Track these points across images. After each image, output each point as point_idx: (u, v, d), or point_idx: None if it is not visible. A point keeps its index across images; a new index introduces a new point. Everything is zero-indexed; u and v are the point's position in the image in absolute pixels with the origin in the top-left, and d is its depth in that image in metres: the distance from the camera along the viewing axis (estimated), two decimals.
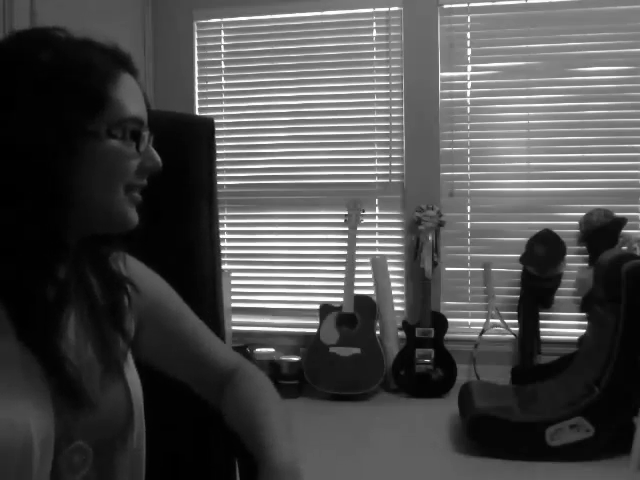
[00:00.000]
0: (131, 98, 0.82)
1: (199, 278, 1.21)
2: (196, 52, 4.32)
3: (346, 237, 3.90)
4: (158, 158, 0.85)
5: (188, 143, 1.23)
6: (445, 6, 3.95)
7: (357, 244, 3.89)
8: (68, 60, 0.77)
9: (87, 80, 0.77)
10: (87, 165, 0.77)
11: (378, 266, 3.93)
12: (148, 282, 0.97)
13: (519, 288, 3.78)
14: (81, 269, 0.86)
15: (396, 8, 4.03)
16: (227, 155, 4.22)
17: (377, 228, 4.12)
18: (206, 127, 1.26)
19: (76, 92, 0.76)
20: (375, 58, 4.12)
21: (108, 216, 0.81)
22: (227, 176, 4.23)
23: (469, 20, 3.96)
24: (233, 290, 3.99)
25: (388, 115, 4.09)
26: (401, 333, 3.83)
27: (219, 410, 0.98)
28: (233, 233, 4.28)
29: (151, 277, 0.99)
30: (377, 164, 4.12)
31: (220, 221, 1.30)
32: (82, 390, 0.77)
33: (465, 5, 3.94)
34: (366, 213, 3.96)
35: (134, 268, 0.95)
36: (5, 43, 0.79)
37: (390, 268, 3.98)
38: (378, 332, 3.80)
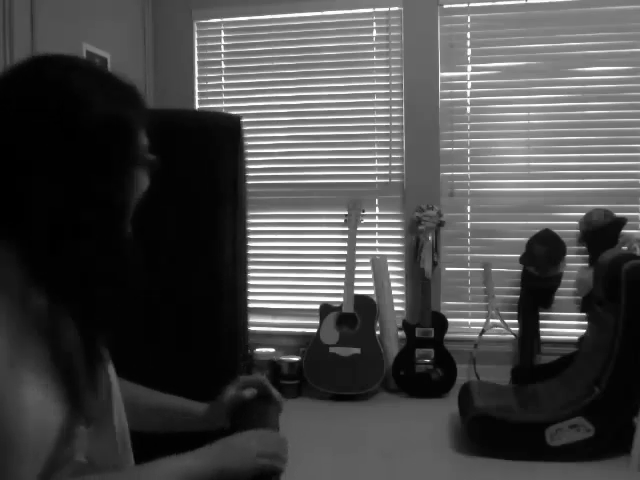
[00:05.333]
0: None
1: (217, 273, 1.18)
2: (196, 52, 4.32)
3: (346, 237, 3.90)
4: None
5: (212, 141, 1.19)
6: (445, 6, 3.95)
7: (357, 244, 3.89)
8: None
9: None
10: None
11: (378, 266, 3.93)
12: None
13: (519, 288, 3.78)
14: None
15: (396, 8, 4.04)
16: None
17: (377, 228, 4.12)
18: (232, 125, 1.22)
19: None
20: (375, 58, 4.12)
21: None
22: None
23: (469, 20, 3.96)
24: None
25: (388, 115, 4.09)
26: (401, 333, 3.83)
27: None
28: None
29: None
30: (377, 164, 4.12)
31: None
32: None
33: (465, 5, 3.94)
34: (366, 213, 3.96)
35: None
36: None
37: (390, 268, 3.98)
38: (378, 332, 3.80)
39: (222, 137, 1.20)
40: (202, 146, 1.18)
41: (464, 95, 4.00)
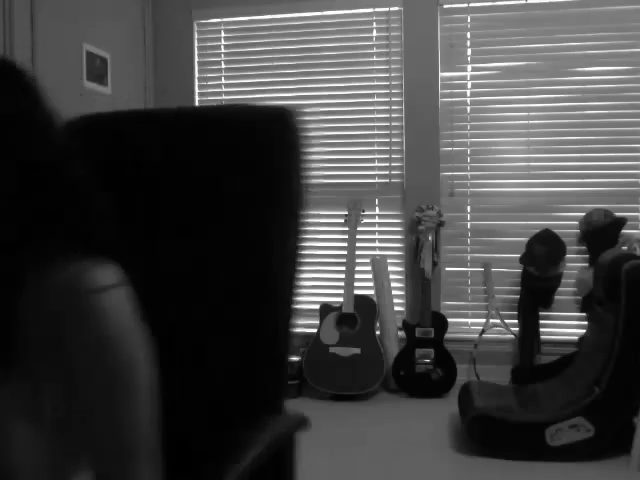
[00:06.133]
0: None
1: (260, 277, 1.10)
2: (196, 52, 4.32)
3: (346, 237, 3.91)
4: None
5: (257, 137, 1.11)
6: (445, 6, 3.95)
7: (357, 244, 3.89)
8: None
9: None
10: None
11: (378, 266, 3.93)
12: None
13: (519, 288, 3.78)
14: None
15: (396, 8, 4.04)
16: None
17: (377, 228, 4.12)
18: (280, 117, 1.11)
19: None
20: (375, 58, 4.12)
21: None
22: None
23: (469, 20, 3.96)
24: None
25: (388, 115, 4.09)
26: (401, 333, 3.83)
27: None
28: None
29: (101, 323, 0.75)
30: (377, 164, 4.12)
31: None
32: None
33: (465, 5, 3.94)
34: (366, 213, 3.96)
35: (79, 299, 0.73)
36: None
37: (390, 268, 3.98)
38: (378, 332, 3.80)
39: (268, 131, 1.11)
40: (250, 143, 1.12)
41: (464, 95, 4.00)
